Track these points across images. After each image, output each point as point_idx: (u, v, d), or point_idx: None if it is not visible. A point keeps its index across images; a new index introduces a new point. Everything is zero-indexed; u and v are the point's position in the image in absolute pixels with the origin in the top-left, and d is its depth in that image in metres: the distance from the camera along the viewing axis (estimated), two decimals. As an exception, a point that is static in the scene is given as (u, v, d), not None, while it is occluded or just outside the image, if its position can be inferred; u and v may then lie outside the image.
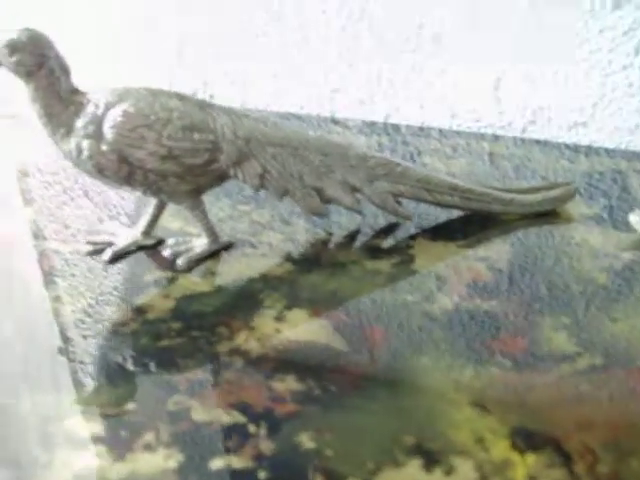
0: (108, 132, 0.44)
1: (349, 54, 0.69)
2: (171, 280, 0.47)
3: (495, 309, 0.43)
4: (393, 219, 0.52)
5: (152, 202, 0.50)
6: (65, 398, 0.38)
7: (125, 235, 0.50)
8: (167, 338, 0.42)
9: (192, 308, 0.44)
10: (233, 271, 0.48)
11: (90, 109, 0.45)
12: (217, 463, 0.34)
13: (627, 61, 0.61)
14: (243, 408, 0.37)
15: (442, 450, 0.34)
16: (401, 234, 0.51)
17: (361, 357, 0.40)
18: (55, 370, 0.40)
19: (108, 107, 0.45)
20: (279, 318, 0.43)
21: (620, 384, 0.38)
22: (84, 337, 0.42)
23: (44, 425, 0.36)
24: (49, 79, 0.44)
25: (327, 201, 0.49)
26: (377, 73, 0.69)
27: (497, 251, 0.49)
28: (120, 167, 0.45)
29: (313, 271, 0.47)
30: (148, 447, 0.35)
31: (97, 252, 0.49)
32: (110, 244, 0.50)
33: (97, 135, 0.44)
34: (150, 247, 0.50)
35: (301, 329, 0.42)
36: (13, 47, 0.43)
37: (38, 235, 0.53)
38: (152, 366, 0.40)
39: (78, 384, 0.39)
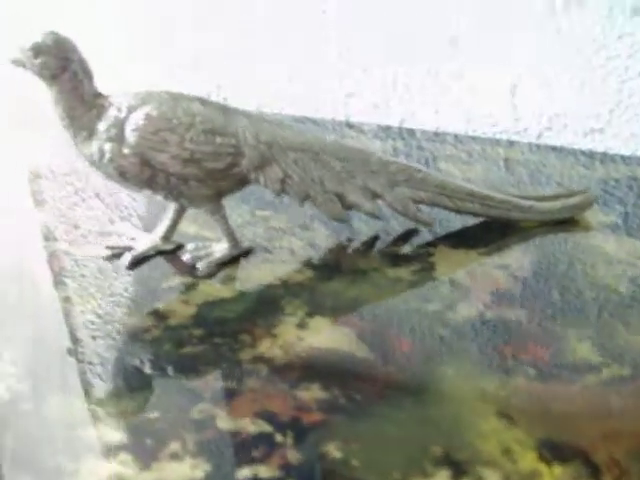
0: (130, 135, 0.44)
1: (364, 58, 0.69)
2: (191, 286, 0.47)
3: (519, 317, 0.43)
4: (412, 225, 0.51)
5: (172, 207, 0.49)
6: (88, 406, 0.38)
7: (144, 240, 0.50)
8: (189, 345, 0.41)
9: (214, 314, 0.44)
10: (253, 277, 0.48)
11: (112, 112, 0.45)
12: (244, 472, 0.33)
13: (645, 68, 0.60)
14: (269, 417, 0.36)
15: (470, 460, 0.34)
16: (420, 241, 0.51)
17: (386, 365, 0.40)
18: (82, 378, 0.40)
19: (130, 110, 0.44)
20: (301, 325, 0.43)
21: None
22: (110, 346, 0.42)
23: (69, 432, 0.36)
24: (72, 82, 0.44)
25: (348, 207, 0.49)
26: (392, 77, 0.69)
27: (518, 259, 0.49)
28: (142, 170, 0.45)
29: (334, 278, 0.47)
30: (175, 456, 0.34)
31: (116, 257, 0.49)
32: (129, 249, 0.49)
33: (119, 138, 0.44)
34: (169, 252, 0.50)
35: (324, 337, 0.42)
36: (38, 50, 0.44)
37: (49, 237, 0.53)
38: (175, 373, 0.40)
39: (100, 391, 0.39)
